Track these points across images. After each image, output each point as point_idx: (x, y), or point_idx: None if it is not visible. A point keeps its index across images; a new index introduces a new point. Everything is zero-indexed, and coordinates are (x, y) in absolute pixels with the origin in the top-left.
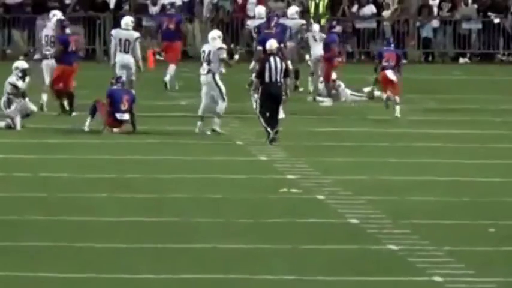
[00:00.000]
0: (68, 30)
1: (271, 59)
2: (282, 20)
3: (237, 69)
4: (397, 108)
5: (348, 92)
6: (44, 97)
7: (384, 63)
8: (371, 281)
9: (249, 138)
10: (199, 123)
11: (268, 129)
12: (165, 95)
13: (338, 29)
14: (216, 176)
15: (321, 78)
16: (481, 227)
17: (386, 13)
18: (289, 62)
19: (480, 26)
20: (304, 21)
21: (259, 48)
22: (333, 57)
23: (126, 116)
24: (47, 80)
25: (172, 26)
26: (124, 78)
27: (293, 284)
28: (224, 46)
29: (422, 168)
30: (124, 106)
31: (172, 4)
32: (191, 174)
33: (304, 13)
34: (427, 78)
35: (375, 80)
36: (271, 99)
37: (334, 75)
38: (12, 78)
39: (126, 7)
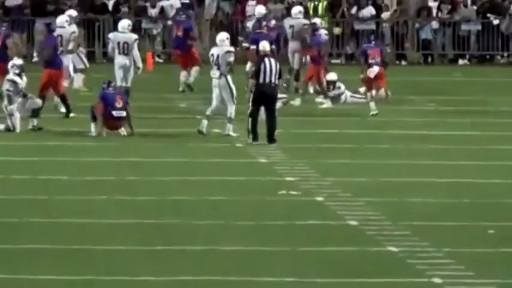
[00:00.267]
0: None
1: (266, 60)
2: (286, 20)
3: (235, 70)
4: (372, 105)
5: (349, 93)
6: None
7: (371, 61)
8: (370, 282)
9: (248, 140)
10: (205, 122)
11: (251, 134)
12: (164, 97)
13: (323, 31)
14: (215, 178)
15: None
16: (481, 229)
17: (385, 15)
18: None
19: (479, 27)
20: (307, 21)
21: (252, 47)
22: (319, 58)
23: (124, 113)
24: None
25: (180, 33)
26: (124, 81)
27: (293, 286)
28: (232, 49)
29: (422, 169)
30: (119, 104)
31: (181, 9)
32: (190, 176)
33: (305, 15)
34: (426, 79)
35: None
36: (264, 99)
37: (335, 77)
38: (10, 75)
39: (125, 9)
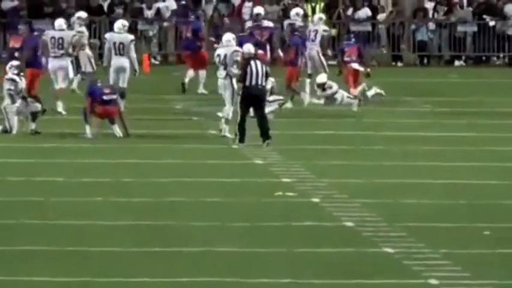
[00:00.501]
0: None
1: (252, 63)
2: (285, 22)
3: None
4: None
5: (345, 94)
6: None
7: (346, 58)
8: (367, 284)
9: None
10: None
11: (238, 136)
12: (160, 99)
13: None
14: (211, 180)
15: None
16: (477, 230)
17: (381, 16)
18: None
19: (475, 29)
20: (302, 24)
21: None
22: (293, 60)
23: (114, 96)
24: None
25: (189, 34)
26: (119, 82)
27: (289, 287)
28: (239, 49)
29: (418, 171)
30: (107, 90)
31: (194, 12)
32: (187, 177)
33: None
34: (422, 81)
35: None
36: (252, 101)
37: (324, 79)
38: (9, 75)
39: (119, 10)
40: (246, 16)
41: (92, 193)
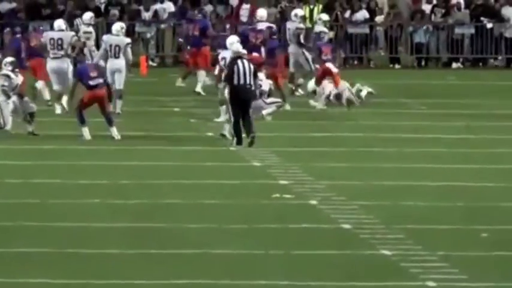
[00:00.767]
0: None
1: (239, 61)
2: (287, 23)
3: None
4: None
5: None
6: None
7: (323, 57)
8: (364, 286)
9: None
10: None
11: (234, 137)
12: (158, 101)
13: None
14: (209, 182)
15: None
16: (475, 232)
17: (379, 18)
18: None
19: (473, 31)
20: (301, 25)
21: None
22: (271, 62)
23: (100, 80)
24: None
25: (196, 32)
26: (115, 84)
27: None
28: (244, 51)
29: (416, 173)
30: (93, 73)
31: (201, 10)
32: (184, 179)
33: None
34: (420, 83)
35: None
36: (240, 102)
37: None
38: (4, 71)
39: (115, 11)
40: (243, 18)
41: (89, 195)
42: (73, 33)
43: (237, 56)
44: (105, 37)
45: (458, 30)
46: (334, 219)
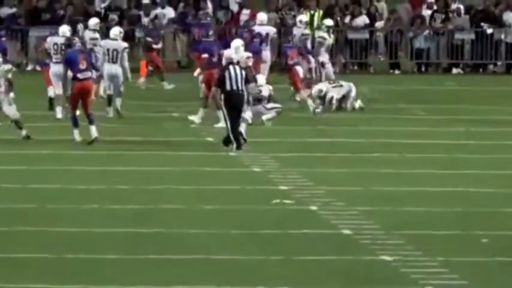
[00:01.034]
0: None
1: (231, 67)
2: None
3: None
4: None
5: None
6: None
7: (290, 62)
8: None
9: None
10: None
11: (233, 141)
12: (157, 106)
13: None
14: (208, 187)
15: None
16: (475, 238)
17: (379, 24)
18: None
19: (473, 36)
20: (307, 32)
21: (204, 56)
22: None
23: (88, 74)
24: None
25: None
26: (112, 88)
27: None
28: (250, 54)
29: (415, 178)
30: (83, 65)
31: (206, 13)
32: (184, 185)
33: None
34: (420, 88)
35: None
36: (233, 107)
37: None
38: None
39: (114, 16)
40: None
41: (88, 200)
42: (77, 38)
43: (229, 62)
44: (102, 42)
45: (458, 36)
46: (335, 224)
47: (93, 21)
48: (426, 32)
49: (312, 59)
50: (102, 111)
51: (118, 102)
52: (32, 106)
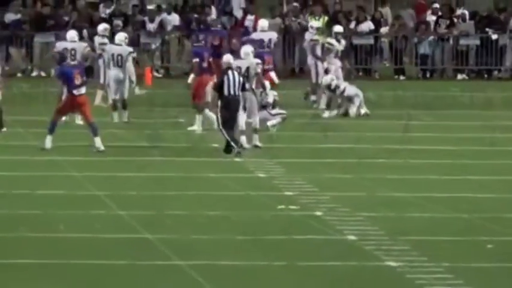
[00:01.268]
0: None
1: (230, 72)
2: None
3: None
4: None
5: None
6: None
7: (266, 67)
8: None
9: (246, 155)
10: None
11: (232, 143)
12: (163, 112)
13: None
14: (213, 193)
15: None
16: (480, 243)
17: (384, 29)
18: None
19: (478, 42)
20: (317, 37)
21: (195, 60)
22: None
23: (83, 90)
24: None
25: (216, 42)
26: (118, 94)
27: None
28: (259, 61)
29: (421, 184)
30: (78, 81)
31: (215, 20)
32: (188, 190)
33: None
34: (425, 94)
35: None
36: (230, 112)
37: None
38: None
39: (119, 22)
40: (249, 29)
41: (94, 206)
42: (85, 44)
43: (227, 67)
44: (107, 47)
45: (463, 42)
46: (340, 230)
47: (102, 27)
48: (431, 37)
49: (320, 65)
50: (107, 117)
51: (125, 113)
52: (37, 112)
